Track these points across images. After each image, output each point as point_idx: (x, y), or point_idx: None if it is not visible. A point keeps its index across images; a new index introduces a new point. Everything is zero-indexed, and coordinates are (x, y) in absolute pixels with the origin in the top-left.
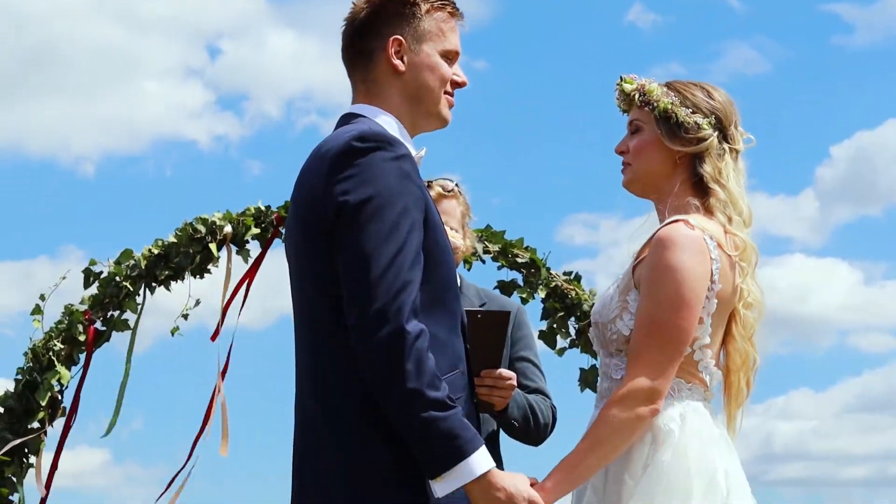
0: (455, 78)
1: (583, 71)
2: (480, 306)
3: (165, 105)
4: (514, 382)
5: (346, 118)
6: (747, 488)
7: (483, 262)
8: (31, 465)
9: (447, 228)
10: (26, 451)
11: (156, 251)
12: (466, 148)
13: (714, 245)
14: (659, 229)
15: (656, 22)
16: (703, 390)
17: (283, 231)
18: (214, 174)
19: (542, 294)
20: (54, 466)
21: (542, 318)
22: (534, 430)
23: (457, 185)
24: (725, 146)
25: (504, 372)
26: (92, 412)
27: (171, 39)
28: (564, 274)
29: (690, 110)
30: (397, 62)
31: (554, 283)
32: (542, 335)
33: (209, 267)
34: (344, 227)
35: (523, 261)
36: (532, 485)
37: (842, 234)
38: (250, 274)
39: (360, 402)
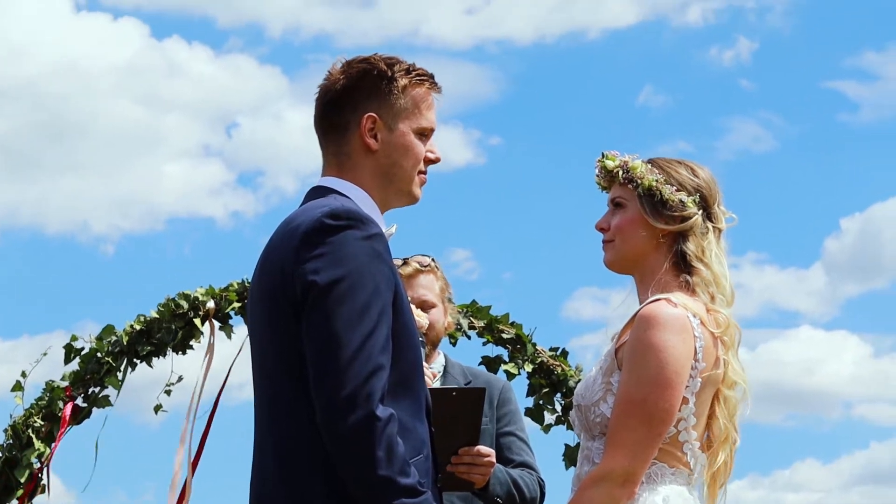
0: (429, 155)
1: (594, 150)
2: (466, 384)
3: (184, 183)
4: (493, 459)
5: (317, 192)
6: None
7: (468, 337)
8: None
9: (413, 308)
10: None
11: (138, 327)
12: (479, 223)
13: (697, 323)
14: (641, 308)
15: (666, 102)
16: (687, 474)
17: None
18: (231, 251)
19: (527, 370)
20: None
21: (527, 395)
22: None
23: (433, 259)
24: (709, 224)
25: (482, 449)
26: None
27: (192, 119)
28: (550, 350)
29: (675, 188)
30: (370, 140)
31: (540, 359)
32: (528, 412)
33: (192, 343)
34: (312, 308)
35: (509, 336)
36: None
37: (851, 306)
38: None
39: (325, 482)
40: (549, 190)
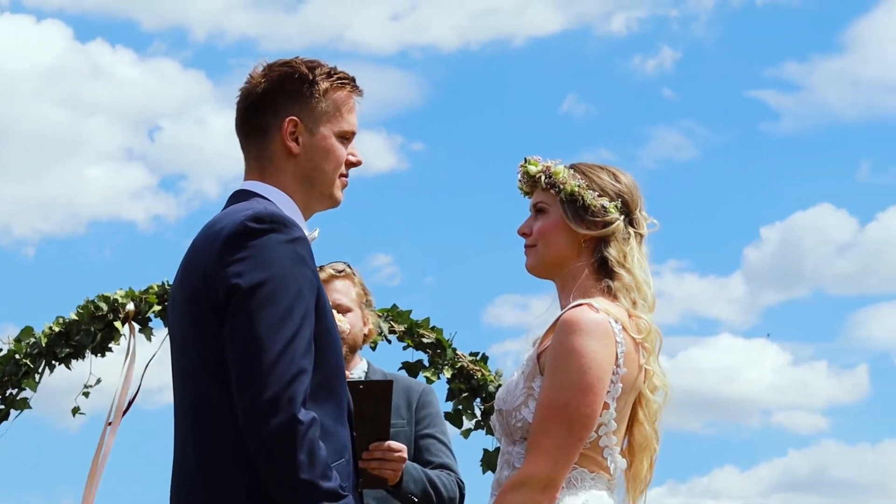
0: (350, 158)
1: (517, 157)
2: None
3: (106, 187)
4: (405, 455)
5: (240, 195)
6: None
7: (389, 342)
8: None
9: (335, 313)
10: None
11: (57, 329)
12: (401, 228)
13: (619, 328)
14: (563, 313)
15: (589, 110)
16: (607, 479)
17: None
18: (153, 255)
19: (447, 374)
20: None
21: (447, 399)
22: None
23: (348, 265)
24: (630, 230)
25: (393, 444)
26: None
27: (115, 122)
28: (470, 354)
29: (597, 193)
30: (291, 144)
31: (460, 364)
32: (447, 416)
33: (111, 345)
34: (235, 311)
35: (429, 341)
36: None
37: (770, 315)
38: None
39: (248, 485)
40: (471, 196)
